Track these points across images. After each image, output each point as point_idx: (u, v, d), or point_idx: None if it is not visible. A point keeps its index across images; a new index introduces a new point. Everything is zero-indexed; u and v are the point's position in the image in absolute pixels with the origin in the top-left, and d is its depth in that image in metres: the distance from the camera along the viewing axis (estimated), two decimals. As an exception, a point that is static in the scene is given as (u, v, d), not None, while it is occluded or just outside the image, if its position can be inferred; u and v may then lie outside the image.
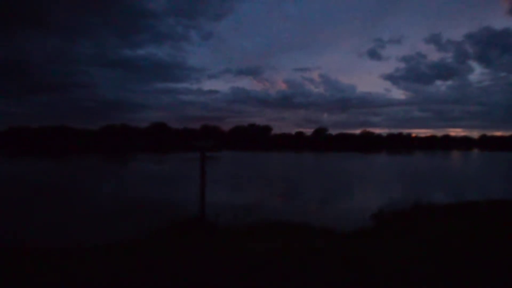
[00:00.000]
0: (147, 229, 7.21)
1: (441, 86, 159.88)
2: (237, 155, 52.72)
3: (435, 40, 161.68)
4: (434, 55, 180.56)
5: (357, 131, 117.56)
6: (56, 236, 7.44)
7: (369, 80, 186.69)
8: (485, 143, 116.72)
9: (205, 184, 7.97)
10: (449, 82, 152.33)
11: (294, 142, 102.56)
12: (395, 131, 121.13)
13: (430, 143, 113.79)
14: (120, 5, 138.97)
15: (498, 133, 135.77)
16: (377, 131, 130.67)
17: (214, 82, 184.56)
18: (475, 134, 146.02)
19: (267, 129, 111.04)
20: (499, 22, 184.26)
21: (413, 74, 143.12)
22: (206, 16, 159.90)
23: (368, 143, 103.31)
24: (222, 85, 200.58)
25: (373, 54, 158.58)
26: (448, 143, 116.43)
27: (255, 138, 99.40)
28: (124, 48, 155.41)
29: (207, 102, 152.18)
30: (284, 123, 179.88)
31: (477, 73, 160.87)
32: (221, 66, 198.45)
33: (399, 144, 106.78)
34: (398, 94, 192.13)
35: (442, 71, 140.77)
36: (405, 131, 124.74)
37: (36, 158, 41.14)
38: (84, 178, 21.51)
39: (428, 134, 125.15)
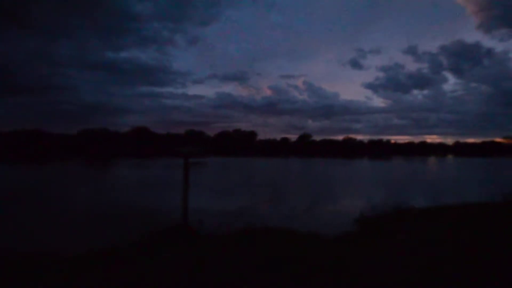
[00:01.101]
0: (127, 237, 6.93)
1: (417, 95, 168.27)
2: (222, 161, 52.27)
3: (412, 51, 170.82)
4: (411, 66, 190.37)
5: (340, 137, 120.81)
6: (32, 246, 6.96)
7: (351, 88, 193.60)
8: (459, 149, 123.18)
9: (188, 190, 7.78)
10: (425, 91, 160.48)
11: (279, 148, 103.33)
12: (375, 137, 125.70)
13: (408, 149, 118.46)
14: (103, 7, 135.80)
15: (471, 140, 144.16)
16: (359, 137, 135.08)
17: (200, 87, 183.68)
18: (449, 140, 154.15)
19: (252, 134, 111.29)
20: (471, 35, 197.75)
21: (392, 83, 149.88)
22: (192, 21, 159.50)
23: (350, 149, 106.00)
24: (207, 90, 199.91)
25: (355, 64, 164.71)
26: (425, 149, 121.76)
27: (240, 143, 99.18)
28: (106, 50, 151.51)
29: (192, 107, 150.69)
30: (270, 129, 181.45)
31: (451, 83, 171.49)
32: (207, 71, 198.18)
33: (380, 150, 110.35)
34: (378, 102, 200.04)
35: (418, 80, 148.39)
36: (385, 137, 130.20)
37: (8, 165, 38.70)
38: (62, 185, 20.43)
39: (406, 141, 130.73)
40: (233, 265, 4.04)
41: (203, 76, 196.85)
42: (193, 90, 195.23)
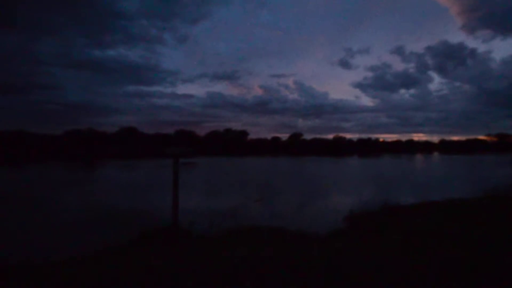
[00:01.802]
0: (116, 240, 6.81)
1: (404, 94, 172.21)
2: (213, 161, 51.96)
3: (399, 51, 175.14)
4: (398, 66, 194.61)
5: (330, 136, 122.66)
6: (15, 251, 6.72)
7: (341, 87, 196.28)
8: (444, 147, 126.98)
9: (178, 191, 7.70)
10: (412, 91, 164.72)
11: (270, 147, 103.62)
12: (364, 136, 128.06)
13: (396, 147, 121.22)
14: (89, 3, 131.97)
15: (455, 138, 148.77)
16: (348, 136, 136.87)
17: (189, 86, 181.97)
18: (435, 138, 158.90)
19: (243, 134, 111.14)
20: (455, 36, 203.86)
21: (380, 82, 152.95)
22: (182, 19, 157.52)
23: (340, 148, 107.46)
24: (197, 90, 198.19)
25: (344, 63, 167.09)
26: (412, 147, 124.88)
27: (231, 143, 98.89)
28: (92, 49, 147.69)
29: (182, 107, 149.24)
30: (261, 128, 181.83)
31: (436, 82, 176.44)
32: (197, 70, 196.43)
33: (369, 148, 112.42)
34: (367, 101, 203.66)
35: (405, 80, 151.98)
36: (374, 136, 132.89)
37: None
38: (46, 187, 19.81)
39: (394, 139, 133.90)
40: (221, 266, 4.02)
41: (193, 75, 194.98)
42: (183, 89, 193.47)
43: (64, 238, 8.33)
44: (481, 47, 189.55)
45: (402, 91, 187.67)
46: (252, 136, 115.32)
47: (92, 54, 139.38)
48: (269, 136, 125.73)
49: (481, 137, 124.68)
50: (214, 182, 22.85)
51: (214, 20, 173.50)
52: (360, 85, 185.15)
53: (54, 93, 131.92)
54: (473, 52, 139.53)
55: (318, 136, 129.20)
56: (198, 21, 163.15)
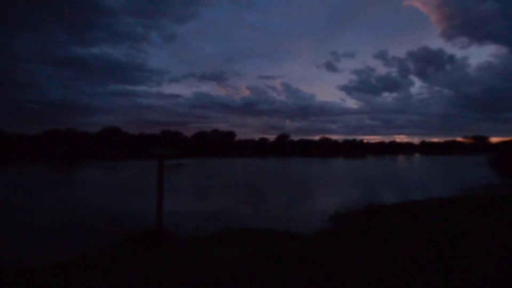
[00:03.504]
0: (98, 244, 6.57)
1: (387, 97, 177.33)
2: (200, 162, 51.39)
3: (382, 56, 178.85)
4: (381, 70, 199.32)
5: (317, 138, 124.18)
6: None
7: (327, 90, 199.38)
8: (425, 148, 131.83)
9: (162, 193, 7.54)
10: (394, 94, 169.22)
11: (258, 148, 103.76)
12: (350, 137, 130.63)
13: (379, 148, 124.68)
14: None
15: (435, 139, 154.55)
16: (334, 137, 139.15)
17: (176, 86, 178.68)
18: (416, 140, 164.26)
19: (231, 135, 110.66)
20: (435, 43, 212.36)
21: (364, 85, 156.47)
22: (169, 18, 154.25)
23: (326, 149, 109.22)
24: (184, 90, 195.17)
25: (330, 66, 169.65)
26: (394, 148, 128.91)
27: (218, 144, 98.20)
28: (74, 46, 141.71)
29: (168, 107, 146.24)
30: (248, 129, 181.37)
31: (417, 86, 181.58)
32: (184, 70, 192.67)
33: (354, 149, 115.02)
34: (351, 103, 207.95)
35: (388, 84, 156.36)
36: (358, 137, 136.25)
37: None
38: (24, 189, 18.87)
39: (378, 140, 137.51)
40: (206, 269, 3.98)
41: (180, 75, 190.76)
42: (169, 89, 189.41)
43: (42, 243, 7.97)
44: (459, 54, 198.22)
45: (385, 94, 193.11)
46: (240, 137, 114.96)
47: (74, 51, 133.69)
48: (256, 137, 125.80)
49: (459, 139, 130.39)
50: (201, 183, 22.60)
51: (202, 21, 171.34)
52: (345, 88, 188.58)
53: (32, 92, 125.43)
54: (451, 58, 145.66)
55: (305, 137, 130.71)
56: (185, 21, 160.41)
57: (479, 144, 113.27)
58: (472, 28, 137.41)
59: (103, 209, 12.36)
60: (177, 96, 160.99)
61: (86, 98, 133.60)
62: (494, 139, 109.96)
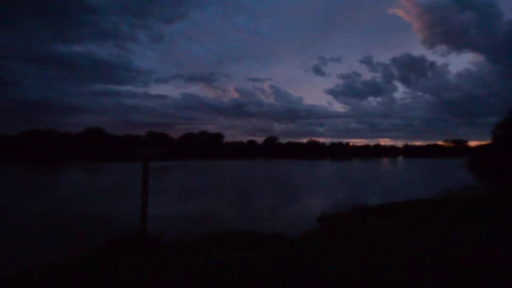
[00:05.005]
0: (79, 249, 6.33)
1: (372, 101, 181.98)
2: (187, 164, 50.69)
3: (367, 61, 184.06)
4: (367, 75, 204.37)
5: (304, 140, 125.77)
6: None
7: (314, 93, 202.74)
8: (408, 151, 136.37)
9: (147, 196, 7.37)
10: (379, 99, 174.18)
11: (246, 150, 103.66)
12: (336, 140, 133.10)
13: (364, 151, 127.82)
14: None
15: (418, 143, 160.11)
16: (321, 140, 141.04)
17: (163, 87, 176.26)
18: (399, 143, 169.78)
19: (219, 137, 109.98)
20: (417, 50, 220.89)
21: (350, 90, 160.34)
22: (157, 17, 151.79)
23: (314, 151, 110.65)
24: (171, 90, 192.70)
25: (317, 70, 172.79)
26: (379, 151, 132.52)
27: (206, 146, 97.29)
28: (56, 43, 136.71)
29: (155, 108, 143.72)
30: (237, 131, 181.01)
31: (400, 91, 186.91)
32: (171, 70, 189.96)
33: (340, 152, 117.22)
34: (338, 107, 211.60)
35: (373, 88, 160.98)
36: (345, 140, 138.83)
37: None
38: (0, 192, 17.92)
39: (363, 143, 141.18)
40: (191, 274, 3.91)
41: (167, 75, 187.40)
42: (156, 89, 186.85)
43: (20, 249, 7.58)
44: (439, 61, 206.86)
45: (370, 98, 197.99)
46: (228, 139, 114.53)
47: (56, 49, 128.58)
48: (245, 139, 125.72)
49: (440, 142, 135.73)
50: (188, 186, 22.28)
51: (191, 21, 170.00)
52: (332, 92, 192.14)
53: (11, 90, 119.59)
54: (432, 65, 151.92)
55: (293, 139, 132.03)
56: (174, 21, 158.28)
57: (459, 148, 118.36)
58: (451, 37, 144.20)
59: (84, 213, 11.92)
60: (164, 97, 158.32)
61: (69, 98, 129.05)
62: (472, 143, 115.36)
